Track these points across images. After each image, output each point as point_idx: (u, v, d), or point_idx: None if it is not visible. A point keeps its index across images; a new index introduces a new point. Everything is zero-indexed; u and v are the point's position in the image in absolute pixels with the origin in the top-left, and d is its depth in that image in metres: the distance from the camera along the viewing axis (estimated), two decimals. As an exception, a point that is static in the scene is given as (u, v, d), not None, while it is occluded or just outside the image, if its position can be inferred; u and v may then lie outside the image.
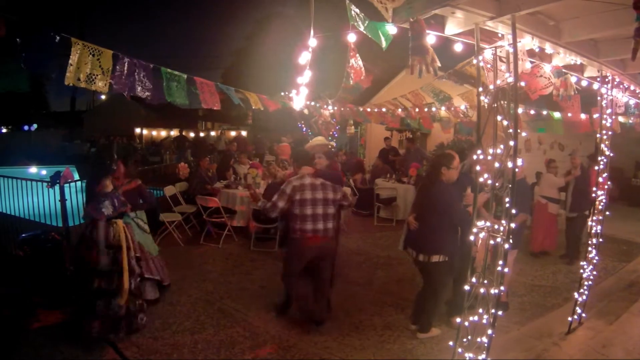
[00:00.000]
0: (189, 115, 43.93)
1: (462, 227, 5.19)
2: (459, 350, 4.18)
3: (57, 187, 7.05)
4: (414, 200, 5.96)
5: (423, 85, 8.64)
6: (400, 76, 16.13)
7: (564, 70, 5.55)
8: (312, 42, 4.63)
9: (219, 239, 9.38)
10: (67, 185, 7.25)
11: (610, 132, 5.87)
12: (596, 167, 5.96)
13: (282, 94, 9.07)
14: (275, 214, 5.77)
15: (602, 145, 5.81)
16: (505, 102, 4.04)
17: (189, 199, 10.23)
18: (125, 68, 4.67)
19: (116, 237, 5.35)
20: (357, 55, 4.63)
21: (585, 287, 5.85)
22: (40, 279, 6.20)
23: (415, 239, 5.52)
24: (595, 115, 6.30)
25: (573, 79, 5.75)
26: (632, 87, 6.56)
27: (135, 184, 6.30)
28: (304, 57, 4.79)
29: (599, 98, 5.81)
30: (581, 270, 5.86)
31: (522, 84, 4.82)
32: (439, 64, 3.93)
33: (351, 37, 4.35)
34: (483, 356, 4.05)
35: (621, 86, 6.36)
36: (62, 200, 7.05)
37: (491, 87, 4.19)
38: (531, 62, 4.92)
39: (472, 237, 4.16)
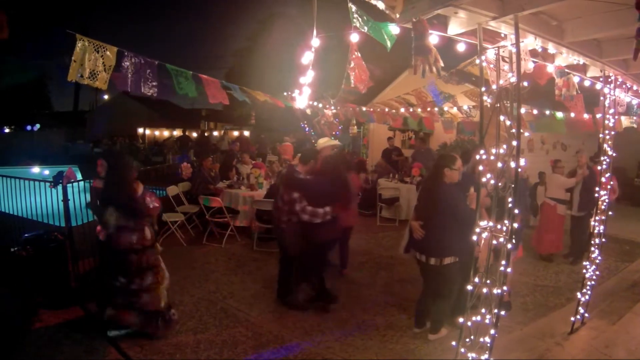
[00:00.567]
0: (192, 115, 44.08)
1: (467, 226, 5.17)
2: (462, 350, 4.18)
3: (59, 187, 7.05)
4: (417, 203, 5.90)
5: (425, 84, 8.63)
6: (403, 76, 16.11)
7: (566, 70, 5.54)
8: (315, 42, 4.63)
9: (221, 239, 9.40)
10: (70, 185, 7.24)
11: (613, 132, 5.87)
12: (599, 167, 5.95)
13: (285, 93, 9.06)
14: None
15: (605, 145, 5.80)
16: (508, 102, 4.04)
17: (191, 199, 10.24)
18: (130, 64, 4.67)
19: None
20: (359, 54, 4.63)
21: (588, 287, 5.85)
22: (43, 279, 6.20)
23: (423, 243, 5.42)
24: (598, 115, 6.29)
25: (576, 79, 5.74)
26: (634, 87, 6.55)
27: None
28: (307, 57, 4.79)
29: (601, 98, 5.81)
30: (584, 270, 5.86)
31: (525, 83, 4.82)
32: (441, 64, 3.93)
33: (354, 37, 4.35)
34: (486, 356, 4.05)
35: (624, 86, 6.35)
36: (65, 200, 7.04)
37: (494, 87, 4.19)
38: (534, 62, 4.92)
39: (474, 237, 4.17)
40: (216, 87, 6.13)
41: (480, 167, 4.15)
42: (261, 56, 24.27)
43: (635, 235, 10.68)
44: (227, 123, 41.53)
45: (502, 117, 4.04)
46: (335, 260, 7.46)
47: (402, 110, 10.96)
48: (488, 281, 4.03)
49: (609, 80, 5.75)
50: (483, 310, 4.06)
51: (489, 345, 4.04)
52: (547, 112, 9.55)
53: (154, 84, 4.94)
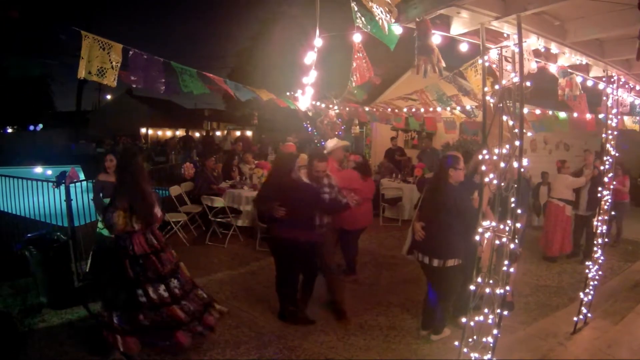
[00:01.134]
0: (195, 115, 44.18)
1: (472, 227, 5.15)
2: (465, 350, 4.18)
3: (62, 187, 7.07)
4: (420, 204, 5.85)
5: (428, 85, 8.61)
6: (406, 76, 16.13)
7: (569, 70, 5.54)
8: (318, 42, 4.64)
9: (224, 239, 9.41)
10: (73, 185, 7.26)
11: (616, 132, 5.87)
12: (602, 167, 5.95)
13: (288, 93, 9.06)
14: None
15: (608, 145, 5.80)
16: (511, 102, 4.04)
17: (194, 199, 10.25)
18: (136, 62, 4.69)
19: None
20: (362, 54, 4.63)
21: (590, 287, 5.84)
22: (46, 279, 6.22)
23: (426, 244, 5.40)
24: (601, 115, 6.29)
25: (578, 79, 5.74)
26: (637, 87, 6.54)
27: None
28: (310, 57, 4.80)
29: (604, 98, 5.81)
30: (587, 270, 5.85)
31: (528, 83, 4.82)
32: (444, 64, 3.93)
33: (357, 37, 4.35)
34: (489, 356, 4.04)
35: (626, 86, 6.34)
36: (68, 200, 7.06)
37: (497, 87, 4.19)
38: (537, 62, 4.91)
39: (477, 237, 4.17)
40: (221, 82, 6.15)
41: (483, 167, 4.15)
42: (264, 56, 24.23)
43: (638, 235, 10.66)
44: (230, 123, 41.55)
45: (505, 117, 4.04)
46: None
47: (405, 110, 10.94)
48: (491, 281, 4.03)
49: (612, 80, 5.74)
50: (486, 310, 4.06)
51: (491, 345, 4.04)
52: (550, 112, 9.54)
53: (162, 80, 4.95)
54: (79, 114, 39.11)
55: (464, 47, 4.53)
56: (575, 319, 5.73)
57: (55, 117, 41.54)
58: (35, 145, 29.34)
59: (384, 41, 4.24)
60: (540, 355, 5.23)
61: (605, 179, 5.86)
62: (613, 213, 6.27)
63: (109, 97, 44.93)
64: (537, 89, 5.80)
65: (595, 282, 5.94)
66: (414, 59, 3.89)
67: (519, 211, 3.90)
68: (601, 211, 5.90)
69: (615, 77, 5.75)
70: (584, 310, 5.80)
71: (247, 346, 5.39)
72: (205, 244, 9.38)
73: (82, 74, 4.13)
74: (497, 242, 4.05)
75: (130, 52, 4.60)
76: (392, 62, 14.98)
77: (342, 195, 5.99)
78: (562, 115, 9.49)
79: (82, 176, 8.39)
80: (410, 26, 3.97)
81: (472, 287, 4.13)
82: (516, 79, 3.96)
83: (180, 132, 38.32)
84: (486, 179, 4.11)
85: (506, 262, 3.96)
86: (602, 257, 5.99)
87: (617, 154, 5.86)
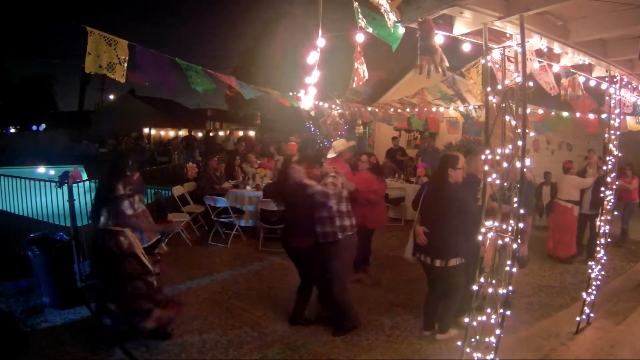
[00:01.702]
0: (197, 115, 44.15)
1: (475, 226, 5.14)
2: (467, 350, 4.19)
3: (65, 187, 7.08)
4: (421, 205, 5.82)
5: (430, 85, 8.61)
6: (409, 76, 16.14)
7: (572, 70, 5.54)
8: (321, 42, 4.64)
9: (227, 239, 9.43)
10: (76, 185, 7.27)
11: (618, 132, 5.86)
12: (604, 167, 5.95)
13: (291, 93, 9.07)
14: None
15: (611, 145, 5.79)
16: (514, 102, 4.04)
17: (197, 199, 10.26)
18: (142, 59, 4.69)
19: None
20: (362, 59, 4.62)
21: (593, 287, 5.84)
22: (49, 279, 6.23)
23: (428, 245, 5.38)
24: (603, 115, 6.28)
25: (581, 79, 5.73)
26: (640, 87, 6.54)
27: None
28: (313, 57, 4.80)
29: (607, 98, 5.80)
30: (589, 270, 5.85)
31: (531, 83, 4.81)
32: (447, 64, 3.93)
33: (359, 37, 4.35)
34: (491, 356, 4.05)
35: (629, 86, 6.34)
36: (71, 200, 7.07)
37: (499, 87, 4.19)
38: (539, 62, 4.91)
39: (480, 237, 4.16)
40: (225, 78, 6.15)
41: (486, 167, 4.14)
42: (267, 56, 24.23)
43: (641, 235, 10.63)
44: (233, 123, 41.54)
45: (507, 117, 4.04)
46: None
47: (408, 110, 10.94)
48: (494, 281, 4.03)
49: (615, 80, 5.73)
50: (489, 310, 4.06)
51: (494, 345, 4.04)
52: (553, 113, 9.53)
53: (168, 77, 4.96)
54: (82, 114, 39.16)
55: (466, 47, 4.53)
56: (577, 319, 5.72)
57: (57, 117, 41.53)
58: (37, 145, 29.32)
59: (386, 40, 4.23)
60: (543, 355, 5.22)
61: (608, 179, 5.86)
62: (616, 213, 6.24)
63: (111, 97, 44.98)
64: (540, 89, 5.79)
65: (598, 282, 5.93)
66: (416, 59, 3.90)
67: (521, 211, 3.90)
68: (604, 211, 5.89)
69: (618, 77, 5.75)
70: (587, 310, 5.80)
71: (250, 346, 5.39)
72: (208, 244, 9.38)
73: (91, 68, 4.12)
74: (499, 242, 4.05)
75: (136, 49, 4.60)
76: (394, 63, 14.99)
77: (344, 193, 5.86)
78: (565, 114, 9.48)
79: (84, 176, 8.41)
80: (412, 26, 3.97)
81: (474, 287, 4.13)
82: (519, 79, 3.97)
83: (183, 132, 38.29)
84: (489, 179, 4.11)
85: (509, 262, 3.95)
86: (605, 257, 5.98)
87: (619, 154, 5.85)
